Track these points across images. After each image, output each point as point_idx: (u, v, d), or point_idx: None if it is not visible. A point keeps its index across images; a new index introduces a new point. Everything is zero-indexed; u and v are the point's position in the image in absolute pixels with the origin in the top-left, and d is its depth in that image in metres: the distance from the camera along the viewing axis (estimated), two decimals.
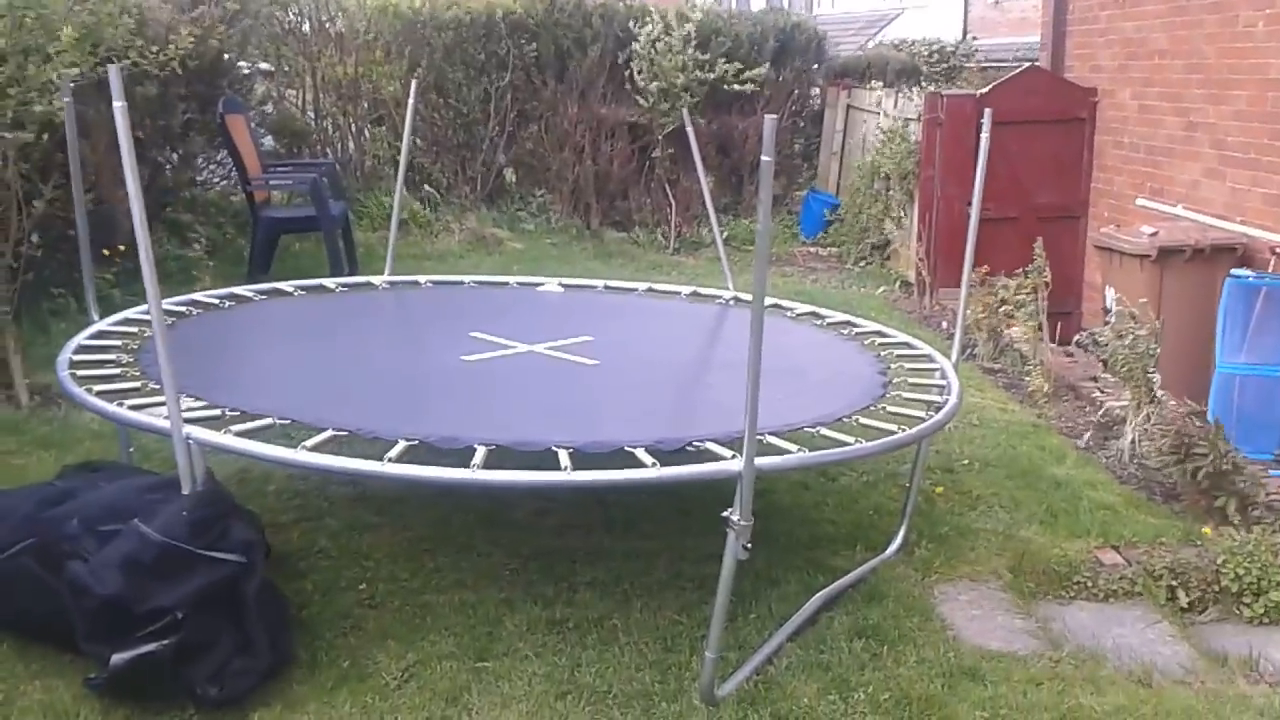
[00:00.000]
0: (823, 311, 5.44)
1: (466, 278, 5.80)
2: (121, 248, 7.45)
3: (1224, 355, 6.19)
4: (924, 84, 11.75)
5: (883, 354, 4.71)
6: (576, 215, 11.00)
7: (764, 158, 2.94)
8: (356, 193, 10.10)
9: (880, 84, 11.10)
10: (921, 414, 3.93)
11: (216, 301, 5.02)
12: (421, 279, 5.74)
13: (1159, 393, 5.80)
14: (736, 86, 11.01)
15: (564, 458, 3.27)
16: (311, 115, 10.12)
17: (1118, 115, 8.62)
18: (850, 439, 3.60)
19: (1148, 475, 5.56)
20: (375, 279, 5.70)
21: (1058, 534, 4.82)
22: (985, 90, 9.41)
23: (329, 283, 5.53)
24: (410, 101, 5.78)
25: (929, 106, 9.37)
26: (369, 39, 9.94)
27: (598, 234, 10.93)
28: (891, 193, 10.11)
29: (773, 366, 3.41)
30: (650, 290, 5.76)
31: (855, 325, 5.21)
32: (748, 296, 5.89)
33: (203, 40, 7.97)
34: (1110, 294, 7.55)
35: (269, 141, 9.79)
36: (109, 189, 7.42)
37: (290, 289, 5.34)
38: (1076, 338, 6.59)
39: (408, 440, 3.30)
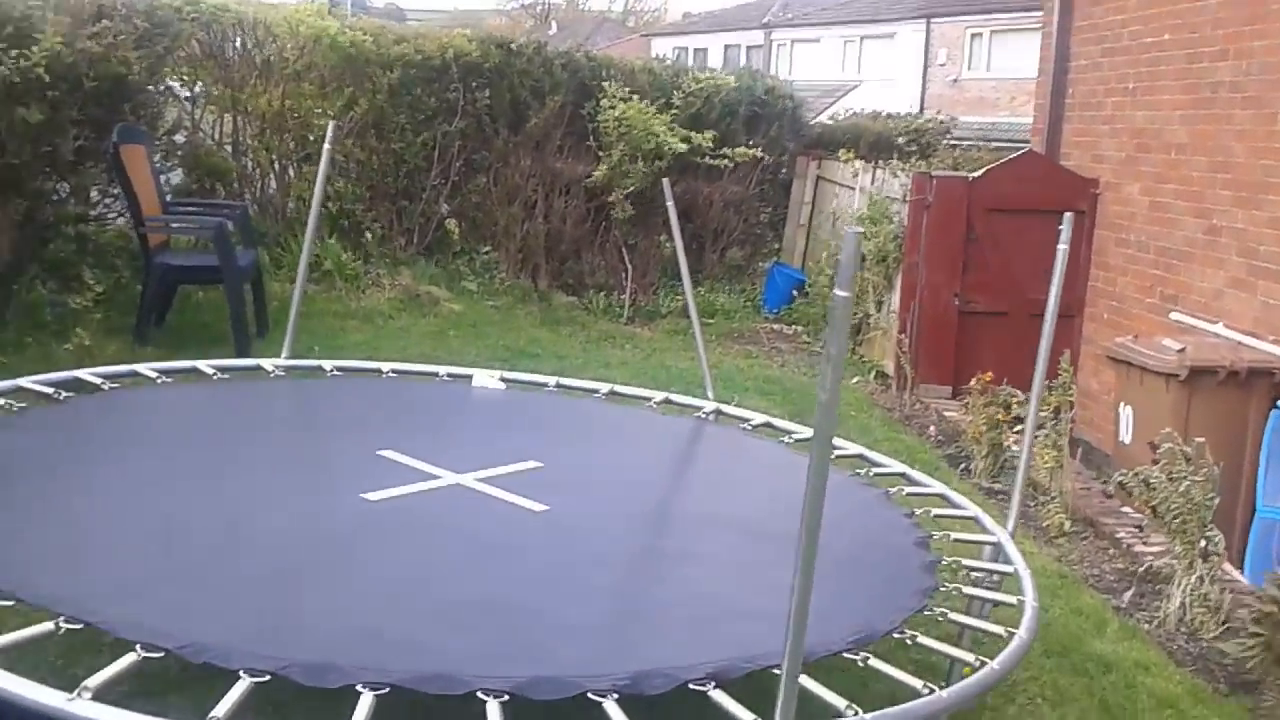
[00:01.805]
0: (846, 446, 4.28)
1: (385, 365, 4.56)
2: None
3: (1266, 497, 5.16)
4: (900, 159, 10.77)
5: (916, 511, 3.55)
6: (524, 275, 9.79)
7: (838, 292, 1.78)
8: (278, 237, 8.79)
9: (852, 155, 10.10)
10: (993, 628, 2.77)
11: (49, 391, 3.72)
12: (327, 365, 4.48)
13: (1218, 550, 4.73)
14: (711, 161, 9.97)
15: (493, 712, 2.06)
16: (229, 150, 8.81)
17: (1123, 211, 7.64)
18: (914, 682, 2.42)
19: (1203, 653, 4.48)
20: (268, 362, 4.43)
21: None
22: (979, 174, 8.42)
23: (205, 366, 4.25)
24: (326, 146, 4.56)
25: (917, 187, 8.35)
26: (299, 69, 8.67)
27: (546, 297, 9.72)
28: (869, 275, 9.05)
29: (772, 527, 2.25)
30: (613, 394, 4.56)
31: (872, 464, 4.05)
32: (733, 411, 4.72)
33: (103, 58, 6.68)
34: (1126, 414, 6.50)
35: (179, 176, 8.47)
36: None
37: (152, 374, 4.06)
38: (1118, 477, 5.49)
39: (254, 676, 2.06)
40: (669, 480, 3.75)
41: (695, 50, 31.99)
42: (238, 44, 8.77)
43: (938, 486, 3.82)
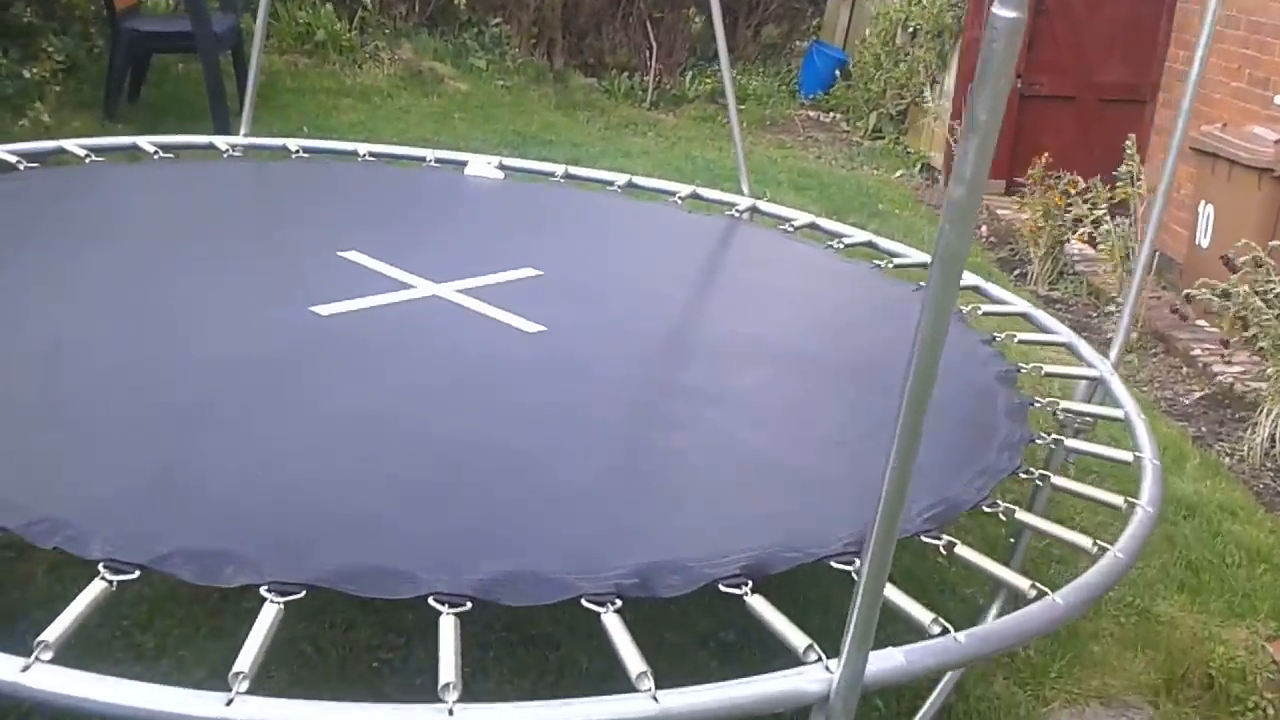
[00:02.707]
0: (881, 242, 3.55)
1: (361, 147, 3.82)
2: None
3: None
4: None
5: (997, 336, 2.87)
6: (538, 52, 8.83)
7: (1003, 11, 1.05)
8: None
9: None
10: (1110, 498, 2.14)
11: None
12: (292, 145, 3.74)
13: None
14: None
15: (447, 626, 1.47)
16: None
17: None
18: (1016, 579, 1.80)
19: None
20: (223, 140, 3.70)
21: (1209, 610, 3.14)
22: None
23: (145, 142, 3.53)
24: None
25: None
26: None
27: (562, 77, 8.79)
28: (918, 53, 8.08)
29: (822, 357, 1.66)
30: (631, 186, 3.82)
31: None
32: (771, 209, 3.98)
33: None
34: (1206, 214, 5.72)
35: None
36: None
37: (80, 151, 3.34)
38: (1190, 291, 4.78)
39: (118, 571, 1.47)
40: (695, 295, 3.06)
41: None
42: None
43: (1020, 304, 3.12)
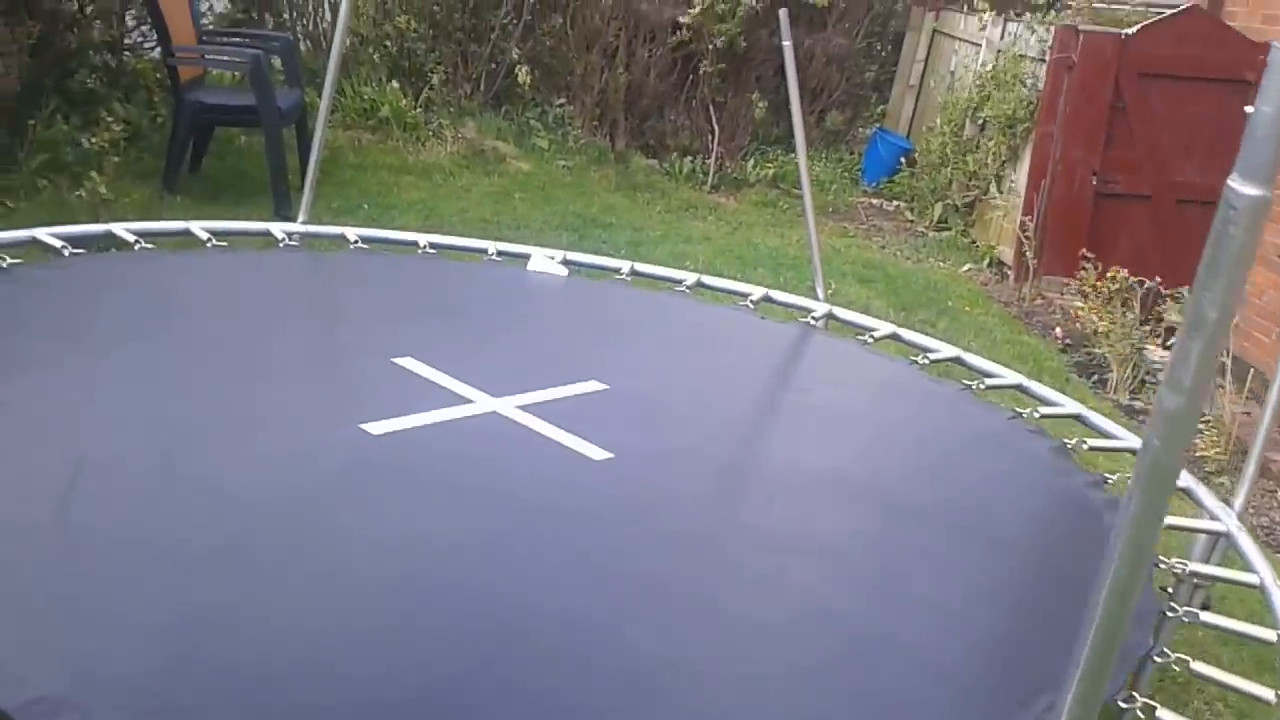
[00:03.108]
0: (970, 359, 3.29)
1: (422, 238, 3.64)
2: None
3: None
4: (1030, 12, 9.36)
5: (1110, 478, 2.58)
6: (600, 133, 8.73)
7: (1241, 188, 0.80)
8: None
9: (986, 6, 8.73)
10: (1258, 691, 1.85)
11: None
12: (351, 234, 3.57)
13: None
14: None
15: None
16: None
17: None
18: None
19: None
20: (280, 227, 3.54)
21: None
22: (1133, 30, 7.11)
23: (198, 228, 3.36)
24: None
25: (1060, 44, 7.08)
26: None
27: (623, 158, 8.67)
28: (988, 144, 7.86)
29: (920, 499, 1.45)
30: (700, 286, 3.60)
31: (1038, 399, 3.06)
32: (848, 316, 3.74)
33: None
34: None
35: (222, 3, 7.50)
36: None
37: (128, 236, 3.19)
38: None
39: None
40: (771, 417, 2.82)
41: None
42: None
43: (1130, 439, 2.84)
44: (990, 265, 7.58)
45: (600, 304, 3.37)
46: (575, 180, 7.95)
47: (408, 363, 2.65)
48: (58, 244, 3.07)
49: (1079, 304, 6.78)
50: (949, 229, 8.24)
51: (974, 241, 7.97)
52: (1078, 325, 6.46)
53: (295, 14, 7.95)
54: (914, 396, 2.92)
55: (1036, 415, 2.89)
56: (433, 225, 6.42)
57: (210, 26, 7.32)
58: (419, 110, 7.84)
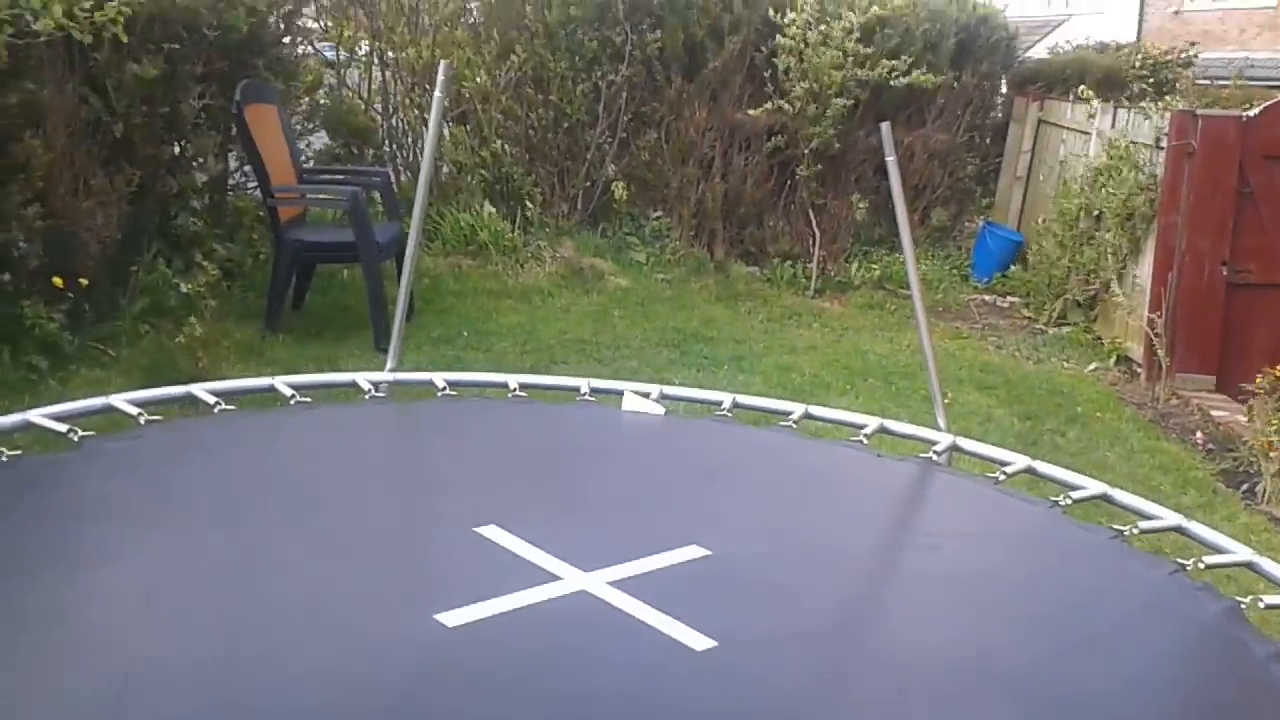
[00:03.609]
0: (1118, 496, 2.90)
1: (512, 379, 3.43)
2: (83, 281, 5.32)
3: None
4: (1131, 99, 8.97)
5: None
6: (698, 244, 8.59)
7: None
8: (430, 206, 7.86)
9: (1091, 93, 8.39)
10: None
11: (61, 429, 2.75)
12: (439, 380, 3.39)
13: None
14: (903, 80, 8.42)
15: None
16: (379, 109, 7.90)
17: None
18: None
19: None
20: (365, 378, 3.37)
21: None
22: (1254, 112, 6.70)
23: (282, 385, 3.22)
24: (437, 94, 3.45)
25: (1178, 130, 6.70)
26: (449, 14, 7.66)
27: (723, 267, 8.50)
28: (1107, 236, 7.45)
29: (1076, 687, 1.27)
30: (808, 419, 3.30)
31: (1200, 543, 2.67)
32: (973, 447, 3.41)
33: (230, 5, 5.83)
34: None
35: (322, 140, 7.62)
36: (66, 198, 5.29)
37: (210, 399, 3.05)
38: None
39: None
40: (900, 588, 2.48)
41: None
42: None
43: None
44: (1117, 363, 7.12)
45: (699, 448, 3.09)
46: (674, 293, 7.79)
47: (491, 532, 2.40)
48: (133, 411, 2.93)
49: (1216, 404, 6.27)
50: (1069, 325, 7.80)
51: (1098, 338, 7.52)
52: (1220, 428, 5.95)
53: (395, 146, 8.04)
54: (1059, 549, 2.56)
55: (1201, 566, 2.50)
56: (531, 349, 6.29)
57: (310, 164, 7.43)
58: (517, 233, 7.80)
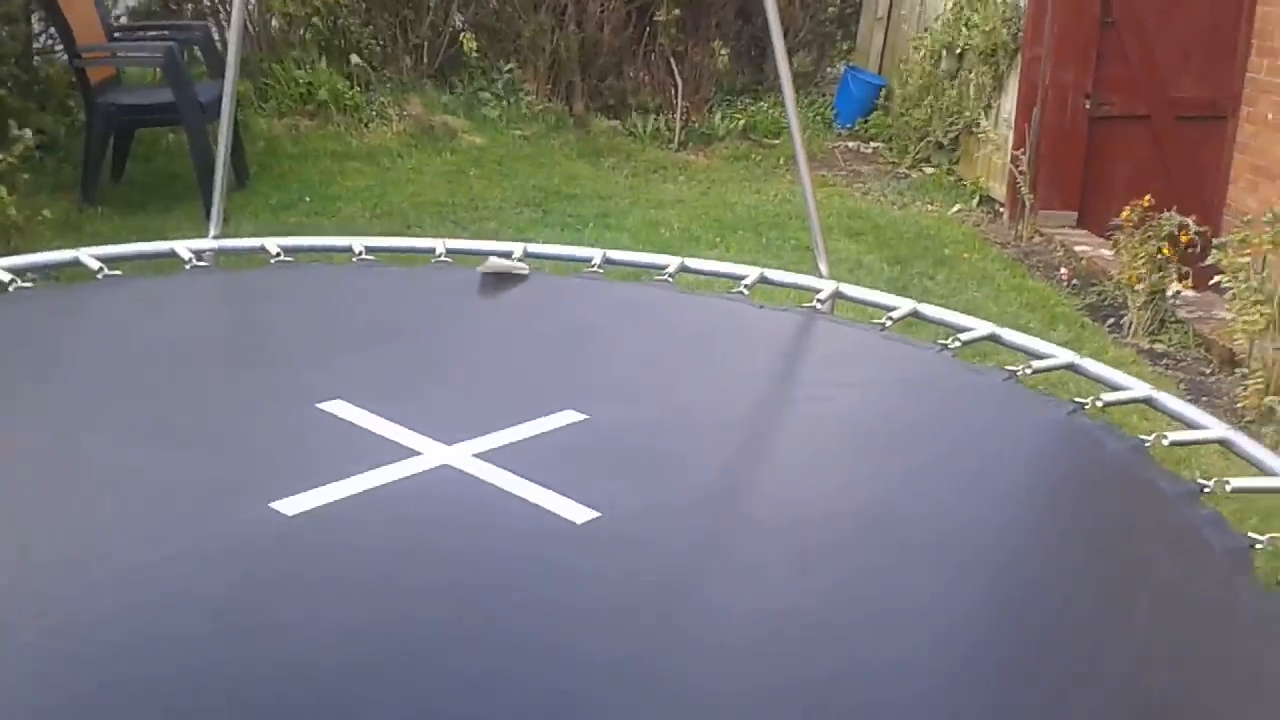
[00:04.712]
0: (1007, 336, 2.77)
1: (356, 242, 3.08)
2: None
3: None
4: None
5: (1207, 484, 2.08)
6: (555, 97, 8.15)
7: None
8: (260, 63, 7.20)
9: None
10: None
11: None
12: (272, 245, 3.01)
13: None
14: None
15: None
16: None
17: None
18: None
19: None
20: (186, 245, 2.98)
21: None
22: None
23: (88, 257, 2.81)
24: None
25: None
26: None
27: (583, 121, 8.11)
28: (970, 75, 7.33)
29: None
30: (684, 272, 3.07)
31: (1087, 376, 2.56)
32: (856, 292, 3.24)
33: None
34: None
35: None
36: None
37: (4, 275, 2.64)
38: None
39: None
40: (791, 441, 2.30)
41: None
42: None
43: (1212, 425, 2.33)
44: (980, 204, 7.09)
45: (571, 307, 2.83)
46: (533, 150, 7.40)
47: (337, 407, 2.11)
48: None
49: (1079, 240, 6.30)
50: (933, 168, 7.73)
51: (960, 180, 7.47)
52: (1083, 262, 5.98)
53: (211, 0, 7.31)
54: (953, 393, 2.41)
55: (1099, 405, 2.38)
56: (382, 213, 5.87)
57: (122, 21, 6.69)
58: (358, 90, 7.24)
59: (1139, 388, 2.49)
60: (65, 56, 6.24)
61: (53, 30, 6.27)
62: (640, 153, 7.72)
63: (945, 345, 2.66)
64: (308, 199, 5.96)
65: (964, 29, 7.23)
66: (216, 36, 6.85)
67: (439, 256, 3.10)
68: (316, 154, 6.65)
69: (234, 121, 3.22)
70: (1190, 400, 4.44)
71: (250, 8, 7.46)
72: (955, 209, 6.99)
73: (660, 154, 7.82)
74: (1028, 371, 2.55)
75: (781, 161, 7.67)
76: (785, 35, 9.08)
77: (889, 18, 9.22)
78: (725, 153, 7.97)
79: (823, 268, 3.21)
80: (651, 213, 6.32)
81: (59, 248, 4.99)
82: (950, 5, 7.54)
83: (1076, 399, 2.35)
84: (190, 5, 7.28)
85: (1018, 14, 6.80)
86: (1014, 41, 6.83)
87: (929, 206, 7.05)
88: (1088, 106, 6.51)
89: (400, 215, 5.80)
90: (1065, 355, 2.64)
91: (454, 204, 6.12)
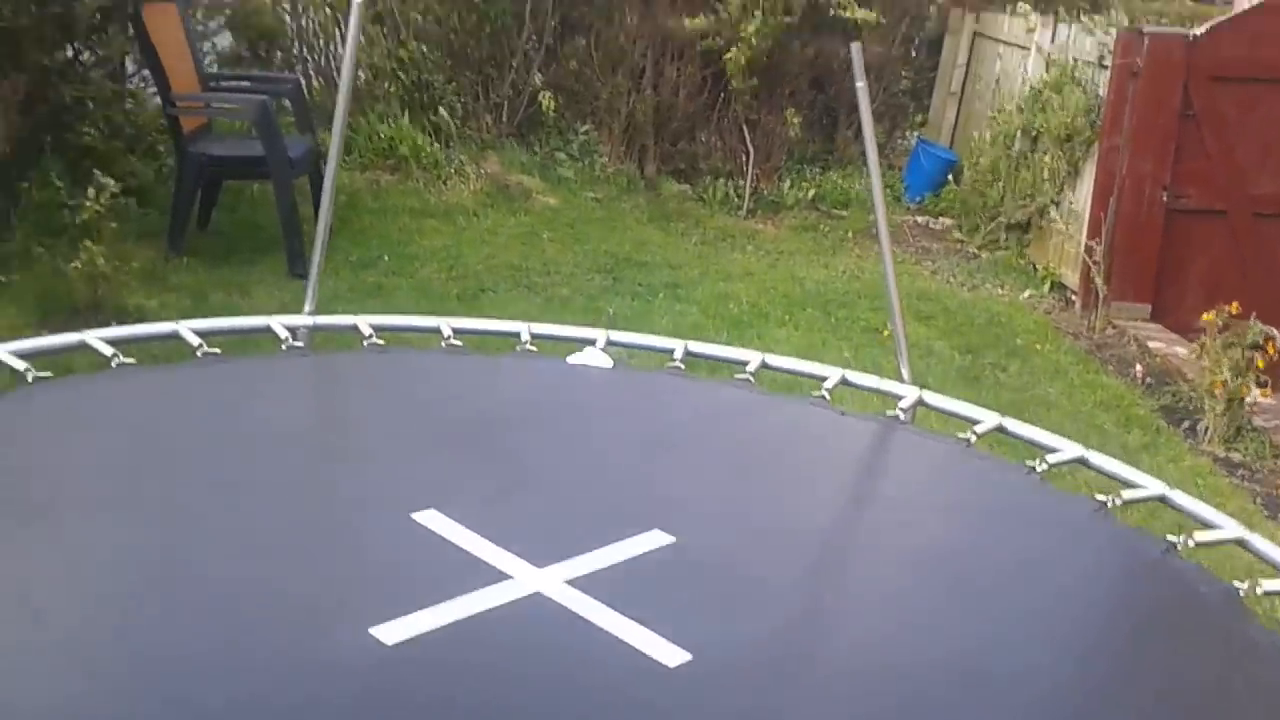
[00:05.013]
0: (1096, 460, 2.73)
1: (445, 323, 3.11)
2: None
3: None
4: (1070, 12, 8.75)
5: None
6: (628, 159, 8.22)
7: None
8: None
9: (1029, 7, 8.15)
10: None
11: None
12: (364, 325, 3.06)
13: None
14: (844, 15, 8.08)
15: None
16: (287, 8, 7.31)
17: None
18: None
19: None
20: (280, 322, 3.02)
21: None
22: (1200, 30, 6.53)
23: (187, 331, 2.86)
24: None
25: (1124, 48, 6.51)
26: None
27: (653, 185, 8.17)
28: (1044, 159, 7.29)
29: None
30: (765, 369, 3.06)
31: (1179, 510, 2.51)
32: (939, 400, 3.21)
33: None
34: None
35: (227, 41, 7.04)
36: None
37: (106, 349, 2.69)
38: None
39: None
40: (881, 575, 2.27)
41: None
42: None
43: None
44: (1051, 290, 7.01)
45: (653, 408, 2.84)
46: (605, 213, 7.45)
47: (430, 519, 2.13)
48: (20, 366, 2.57)
49: (1152, 334, 6.21)
50: (1003, 249, 7.67)
51: (1033, 264, 7.39)
52: (1157, 359, 5.89)
53: (305, 49, 7.47)
54: (1044, 526, 2.38)
55: (1192, 545, 2.34)
56: (458, 275, 5.94)
57: (215, 69, 6.86)
58: (438, 147, 7.35)
59: (1230, 527, 2.44)
60: (158, 100, 6.42)
61: (145, 73, 6.45)
62: (709, 219, 7.75)
63: (1033, 468, 2.62)
64: (386, 258, 6.04)
65: (1041, 113, 7.19)
66: (304, 86, 7.00)
67: (524, 343, 3.12)
68: (395, 210, 6.74)
69: (332, 202, 3.28)
70: (1269, 517, 4.35)
71: (336, 60, 7.63)
72: (1026, 294, 6.93)
73: (729, 221, 7.84)
74: (1118, 503, 2.51)
75: (850, 234, 7.66)
76: (857, 107, 9.10)
77: (963, 92, 9.22)
78: (793, 222, 7.97)
79: (904, 372, 3.19)
80: (720, 285, 6.33)
81: (145, 298, 5.13)
82: (1028, 90, 7.51)
83: (1168, 536, 2.32)
84: (279, 54, 7.45)
85: (1098, 103, 6.76)
86: (1091, 129, 6.78)
87: (999, 290, 6.99)
88: (1165, 199, 6.44)
89: (475, 278, 5.86)
90: (1156, 486, 2.59)
91: (527, 268, 6.17)
